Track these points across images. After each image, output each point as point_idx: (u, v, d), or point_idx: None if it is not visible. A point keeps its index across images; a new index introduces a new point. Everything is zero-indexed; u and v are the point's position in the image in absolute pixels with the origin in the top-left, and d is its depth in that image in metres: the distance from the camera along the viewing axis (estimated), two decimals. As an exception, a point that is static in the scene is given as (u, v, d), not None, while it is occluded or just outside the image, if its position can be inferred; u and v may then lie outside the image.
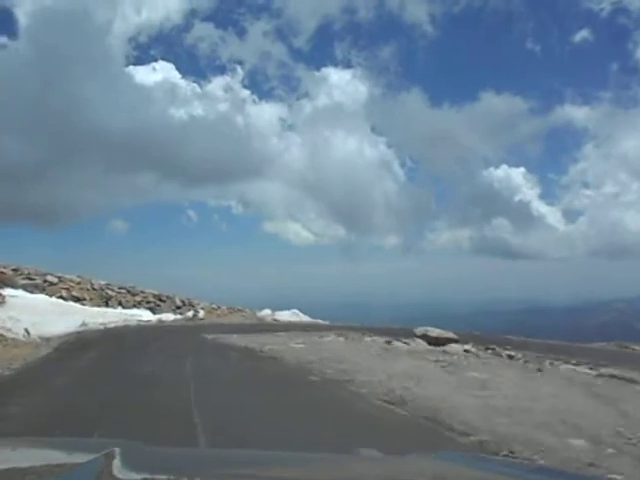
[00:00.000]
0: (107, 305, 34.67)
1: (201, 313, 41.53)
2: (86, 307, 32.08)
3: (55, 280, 31.71)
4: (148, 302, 38.31)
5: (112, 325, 28.56)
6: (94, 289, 35.70)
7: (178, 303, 41.33)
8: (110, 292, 35.99)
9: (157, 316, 37.32)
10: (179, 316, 39.79)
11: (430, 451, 2.66)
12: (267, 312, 44.64)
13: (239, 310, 45.83)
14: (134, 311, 34.39)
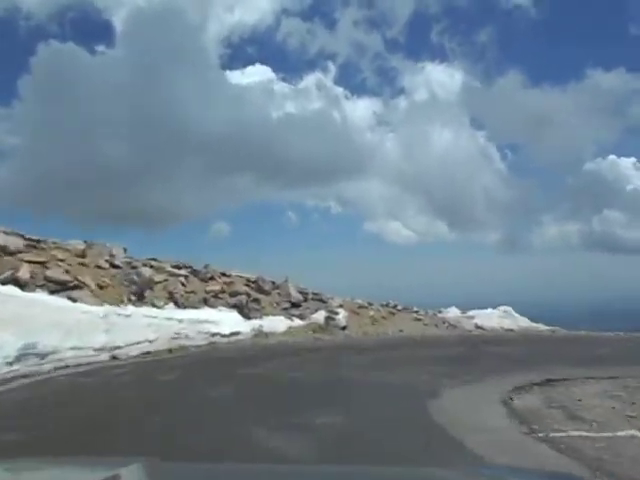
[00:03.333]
0: (140, 300, 16.02)
1: (341, 315, 21.99)
2: (87, 307, 13.52)
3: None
4: (235, 295, 19.25)
5: (137, 352, 10.04)
6: (114, 266, 17.41)
7: (295, 296, 22.02)
8: (149, 273, 17.39)
9: (254, 323, 18.22)
10: (299, 321, 20.53)
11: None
12: (455, 312, 28.48)
13: (405, 310, 25.97)
14: (204, 313, 15.42)
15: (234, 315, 18.38)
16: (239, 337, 17.08)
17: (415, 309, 26.99)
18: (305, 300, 23.17)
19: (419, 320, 25.44)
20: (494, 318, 27.25)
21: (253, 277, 22.12)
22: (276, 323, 19.41)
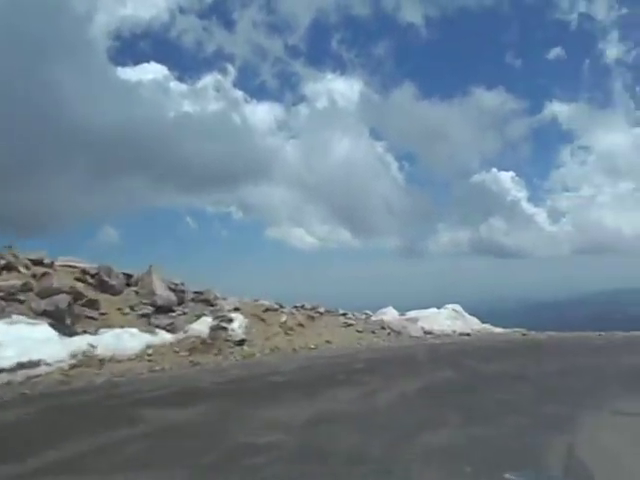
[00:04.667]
0: None
1: (237, 324, 14.84)
2: None
3: None
4: (49, 294, 11.47)
5: None
6: None
7: (162, 295, 14.54)
8: None
9: (79, 342, 10.57)
10: (167, 335, 13.15)
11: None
12: (393, 314, 22.15)
13: (330, 313, 19.22)
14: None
15: (43, 330, 10.56)
16: (39, 371, 9.36)
17: (342, 312, 20.25)
18: (181, 302, 15.65)
19: (350, 326, 18.71)
20: (442, 320, 21.15)
21: (93, 268, 14.26)
22: (124, 340, 11.81)
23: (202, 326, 14.60)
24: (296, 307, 20.42)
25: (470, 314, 22.88)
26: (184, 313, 15.22)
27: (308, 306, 20.50)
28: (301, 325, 18.11)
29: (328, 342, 16.69)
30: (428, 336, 19.00)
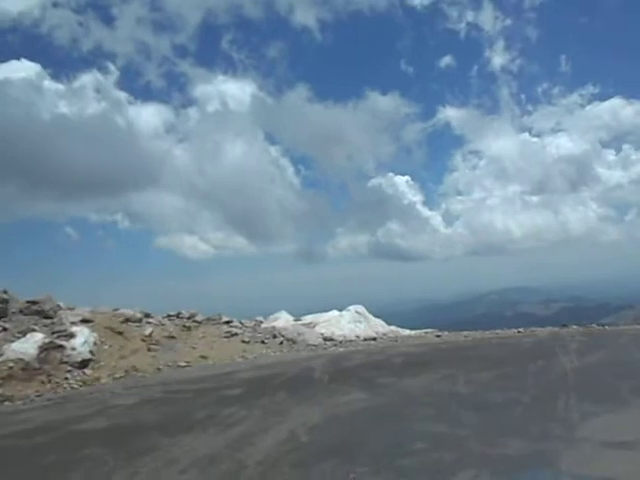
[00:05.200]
0: None
1: (80, 340, 11.27)
2: None
3: None
4: None
5: None
6: None
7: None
8: None
9: None
10: None
11: None
12: (287, 319, 20.02)
13: (211, 321, 16.00)
14: None
15: None
16: None
17: (226, 319, 17.08)
18: (2, 315, 11.83)
19: (234, 335, 15.60)
20: (344, 324, 18.57)
21: None
22: None
23: (28, 345, 10.94)
24: (169, 316, 17.02)
25: (375, 316, 20.54)
26: (4, 329, 11.45)
27: (186, 314, 17.17)
28: (172, 337, 14.78)
29: (203, 357, 13.50)
30: (328, 343, 16.29)
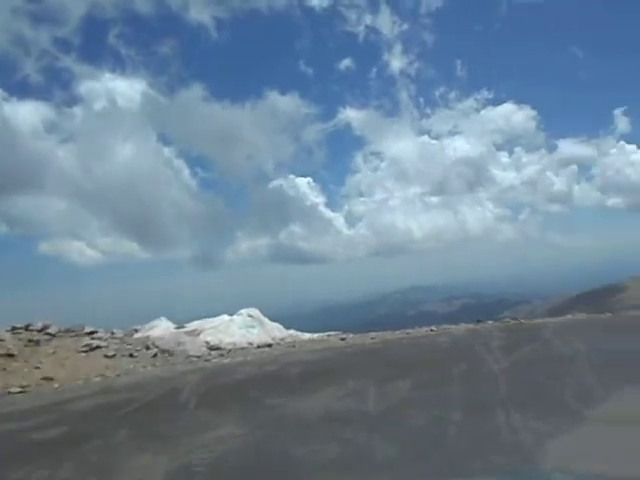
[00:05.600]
0: None
1: None
2: None
3: None
4: None
5: None
6: None
7: None
8: None
9: None
10: None
11: None
12: (167, 327, 16.99)
13: (69, 333, 13.01)
14: None
15: None
16: None
17: (89, 330, 14.15)
18: None
19: (95, 349, 12.77)
20: (235, 329, 16.13)
21: None
22: None
23: None
24: (15, 329, 13.87)
25: (272, 320, 18.27)
26: None
27: (37, 326, 14.10)
28: (10, 356, 11.76)
29: (47, 379, 10.63)
30: (214, 353, 13.82)
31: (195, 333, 15.71)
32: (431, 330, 15.19)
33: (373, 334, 15.63)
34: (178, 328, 16.42)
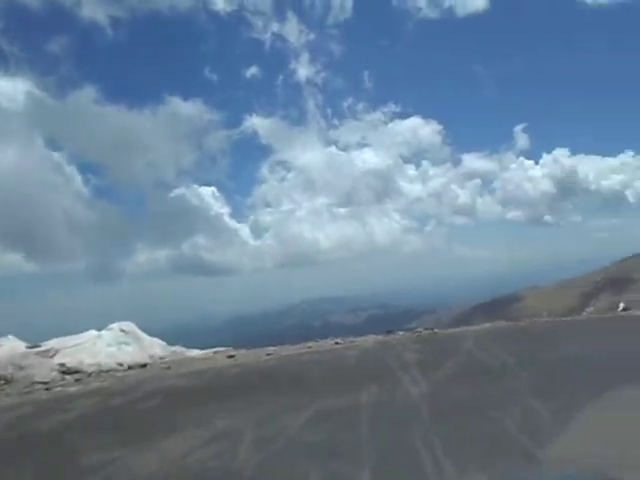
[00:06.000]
0: None
1: None
2: None
3: None
4: None
5: None
6: None
7: None
8: None
9: None
10: None
11: None
12: (16, 347, 13.39)
13: None
14: None
15: None
16: None
17: None
18: None
19: None
20: (102, 347, 13.46)
21: None
22: None
23: None
24: None
25: (152, 335, 15.70)
26: None
27: None
28: None
29: None
30: (69, 378, 11.17)
31: (49, 354, 12.92)
32: (336, 343, 13.26)
33: (271, 349, 13.52)
34: (31, 347, 13.55)
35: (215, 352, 13.75)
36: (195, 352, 15.49)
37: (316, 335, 16.92)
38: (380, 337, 14.50)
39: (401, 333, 14.79)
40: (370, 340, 13.61)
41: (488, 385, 7.25)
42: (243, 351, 13.38)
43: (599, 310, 65.45)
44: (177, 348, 15.54)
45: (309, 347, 13.05)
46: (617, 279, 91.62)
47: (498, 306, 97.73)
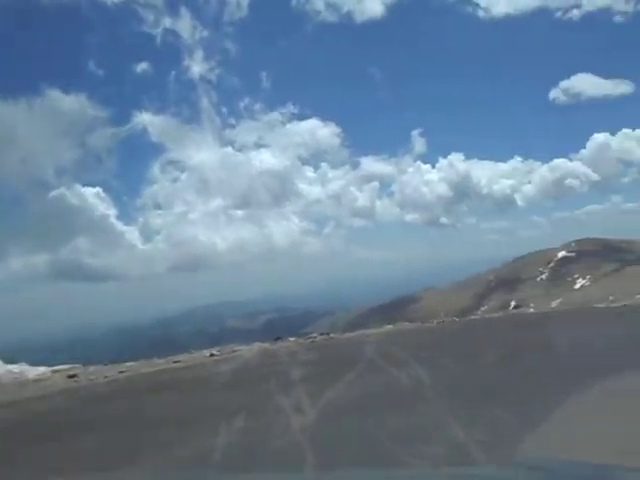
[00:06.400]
0: None
1: None
2: None
3: None
4: None
5: None
6: None
7: None
8: None
9: None
10: None
11: None
12: None
13: None
14: None
15: None
16: None
17: None
18: None
19: None
20: None
21: None
22: None
23: None
24: None
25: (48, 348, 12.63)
26: None
27: None
28: None
29: None
30: None
31: None
32: (212, 355, 11.04)
33: (127, 364, 11.07)
34: None
35: (54, 371, 11.04)
36: (42, 369, 12.72)
37: (213, 341, 15.36)
38: (267, 345, 12.46)
39: (292, 339, 12.85)
40: (255, 349, 11.50)
41: (395, 411, 5.38)
42: (92, 368, 10.81)
43: (492, 309, 67.53)
44: (15, 367, 12.68)
45: (175, 362, 10.72)
46: (508, 279, 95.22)
47: (396, 308, 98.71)
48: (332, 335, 13.67)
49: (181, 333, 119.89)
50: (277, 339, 12.83)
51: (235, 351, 11.73)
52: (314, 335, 13.46)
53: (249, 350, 11.90)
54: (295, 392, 6.38)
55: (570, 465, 2.51)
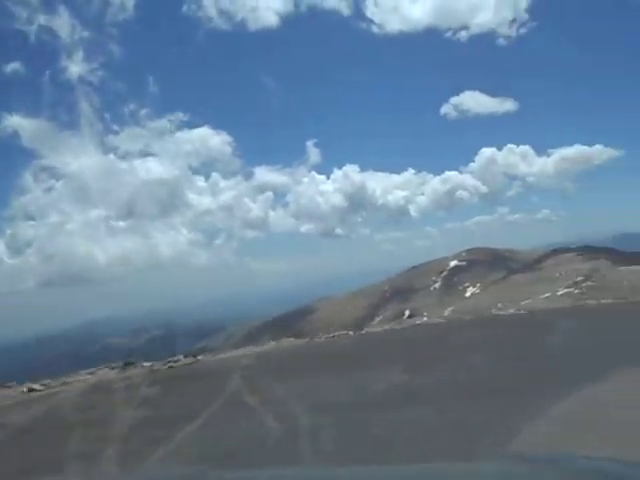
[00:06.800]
0: None
1: None
2: None
3: None
4: None
5: None
6: None
7: None
8: None
9: None
10: None
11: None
12: None
13: None
14: None
15: None
16: None
17: None
18: None
19: None
20: None
21: None
22: None
23: None
24: None
25: None
26: None
27: None
28: None
29: None
30: None
31: None
32: (30, 390, 8.58)
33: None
34: None
35: None
36: None
37: (88, 363, 13.80)
38: (114, 372, 10.06)
39: (147, 364, 10.51)
40: (91, 381, 9.13)
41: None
42: None
43: (387, 318, 67.55)
44: None
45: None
46: (402, 289, 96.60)
47: (291, 320, 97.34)
48: (200, 357, 11.50)
49: (58, 354, 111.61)
50: (126, 365, 10.46)
51: (65, 384, 9.28)
52: (176, 359, 11.19)
53: (83, 381, 9.46)
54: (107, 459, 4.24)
55: (571, 458, 2.25)
